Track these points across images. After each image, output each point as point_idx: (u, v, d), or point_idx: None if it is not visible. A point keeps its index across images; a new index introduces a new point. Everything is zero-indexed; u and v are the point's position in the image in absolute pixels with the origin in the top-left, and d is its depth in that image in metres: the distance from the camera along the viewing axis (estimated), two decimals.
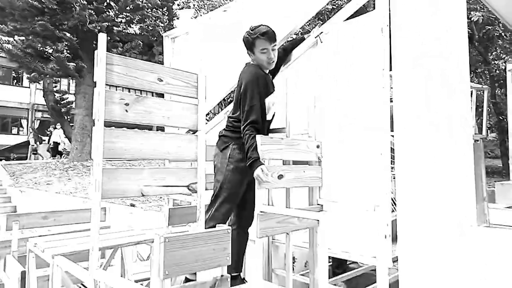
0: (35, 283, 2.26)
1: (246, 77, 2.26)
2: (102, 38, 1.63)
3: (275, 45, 2.32)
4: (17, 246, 2.81)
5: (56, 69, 12.07)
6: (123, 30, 15.36)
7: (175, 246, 1.24)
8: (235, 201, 2.29)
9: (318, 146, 2.53)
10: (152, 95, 1.88)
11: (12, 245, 2.75)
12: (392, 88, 2.39)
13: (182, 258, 1.25)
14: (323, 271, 1.91)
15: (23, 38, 12.82)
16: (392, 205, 2.45)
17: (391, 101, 2.39)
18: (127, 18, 14.20)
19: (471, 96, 5.11)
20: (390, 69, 2.37)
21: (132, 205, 5.87)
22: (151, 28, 18.97)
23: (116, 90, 1.74)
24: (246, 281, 2.38)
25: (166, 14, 20.26)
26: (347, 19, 2.50)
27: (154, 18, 13.80)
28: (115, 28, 14.32)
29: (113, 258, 2.82)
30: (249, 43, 2.30)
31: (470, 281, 1.95)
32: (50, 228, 3.63)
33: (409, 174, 2.22)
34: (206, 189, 2.07)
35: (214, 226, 1.84)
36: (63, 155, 16.71)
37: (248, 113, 2.18)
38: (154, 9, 14.17)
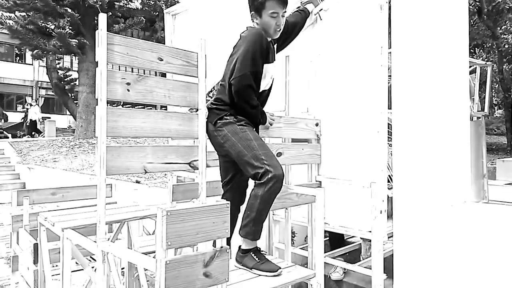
0: (47, 255, 2.38)
1: (249, 39, 2.01)
2: (103, 18, 1.66)
3: (285, 11, 2.10)
4: (28, 220, 2.93)
5: (58, 45, 12.03)
6: (125, 6, 15.18)
7: (177, 219, 1.31)
8: (265, 145, 2.01)
9: (317, 124, 2.58)
10: (156, 75, 1.91)
11: (24, 219, 2.87)
12: (390, 66, 2.41)
13: (183, 230, 1.33)
14: (319, 245, 2.00)
15: (24, 14, 12.71)
16: (389, 182, 2.51)
17: (390, 79, 2.41)
18: None
19: (475, 73, 5.08)
20: (390, 47, 2.38)
21: (138, 182, 6.00)
22: (152, 3, 18.72)
23: (119, 69, 1.77)
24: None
25: None
26: None
27: None
28: (116, 3, 14.15)
29: (120, 232, 2.94)
30: (258, 4, 2.04)
31: (461, 255, 2.03)
32: (58, 204, 3.77)
33: (406, 151, 2.27)
34: (207, 166, 2.13)
35: (280, 178, 1.86)
36: (41, 133, 16.25)
37: (245, 76, 1.96)
38: None
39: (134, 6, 16.66)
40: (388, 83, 2.38)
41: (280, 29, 2.12)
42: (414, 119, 2.25)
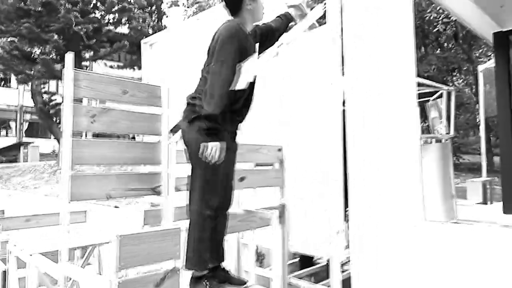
0: (15, 282, 2.43)
1: (224, 31, 1.87)
2: (69, 58, 1.81)
3: None
4: (13, 245, 2.96)
5: (42, 71, 12.13)
6: (112, 31, 15.45)
7: (130, 243, 1.42)
8: (218, 181, 1.90)
9: (279, 150, 2.73)
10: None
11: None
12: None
13: (136, 252, 1.43)
14: (277, 265, 2.11)
15: (9, 40, 12.84)
16: None
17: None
18: (114, 20, 14.27)
19: (442, 97, 5.36)
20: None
21: (116, 207, 6.03)
22: (139, 28, 19.04)
23: (82, 102, 1.91)
24: (229, 272, 2.18)
25: (155, 12, 20.32)
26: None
27: (140, 19, 13.86)
28: (104, 28, 14.41)
29: (93, 257, 3.00)
30: None
31: (423, 275, 2.14)
32: (32, 230, 3.79)
33: (360, 176, 2.42)
34: (178, 190, 2.23)
35: (215, 217, 1.85)
36: None
37: (219, 68, 1.80)
38: (141, 11, 14.24)
39: (121, 31, 16.97)
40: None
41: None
42: (368, 143, 2.41)
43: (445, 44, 14.68)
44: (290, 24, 2.68)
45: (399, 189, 2.37)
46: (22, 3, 11.91)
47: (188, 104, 1.92)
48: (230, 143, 1.92)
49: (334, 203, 2.43)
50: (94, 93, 1.90)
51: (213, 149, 1.76)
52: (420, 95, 5.80)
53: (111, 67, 18.32)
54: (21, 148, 18.94)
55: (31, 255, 2.05)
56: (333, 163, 2.48)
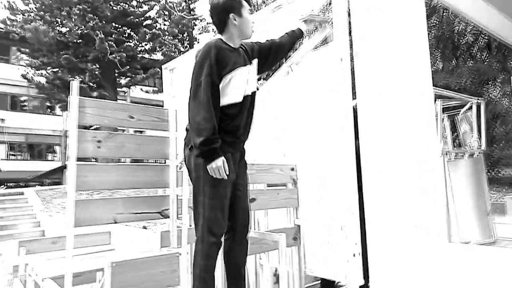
0: None
1: (199, 54, 1.87)
2: (75, 85, 1.87)
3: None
4: (24, 270, 3.06)
5: None
6: (145, 58, 16.14)
7: (124, 270, 1.40)
8: (225, 206, 1.86)
9: (292, 169, 2.67)
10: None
11: (19, 269, 3.00)
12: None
13: (130, 279, 1.41)
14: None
15: (50, 71, 13.71)
16: None
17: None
18: (146, 47, 14.91)
19: (471, 109, 5.09)
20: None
21: (144, 227, 6.13)
22: (172, 54, 19.77)
23: (89, 129, 1.96)
24: None
25: (187, 39, 21.07)
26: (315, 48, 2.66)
27: (172, 45, 14.40)
28: (140, 55, 15.09)
29: None
30: (237, 5, 1.94)
31: None
32: (57, 253, 3.91)
33: (375, 196, 2.31)
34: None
35: (219, 244, 1.80)
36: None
37: (195, 91, 1.78)
38: (172, 37, 14.81)
39: (156, 57, 17.69)
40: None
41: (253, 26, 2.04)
42: (384, 158, 2.30)
43: (478, 55, 14.08)
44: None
45: (420, 208, 2.23)
46: (61, 37, 12.75)
47: (187, 130, 1.92)
48: (231, 165, 1.84)
49: (347, 224, 2.32)
50: (100, 120, 1.95)
51: (214, 171, 1.74)
52: (450, 108, 5.55)
53: (146, 92, 19.08)
54: (64, 171, 19.87)
55: (42, 280, 2.09)
56: (347, 181, 2.39)
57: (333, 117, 2.45)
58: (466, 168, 4.60)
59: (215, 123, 1.75)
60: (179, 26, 17.61)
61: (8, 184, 17.47)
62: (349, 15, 2.50)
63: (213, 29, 20.81)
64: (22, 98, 21.83)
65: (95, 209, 1.89)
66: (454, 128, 5.87)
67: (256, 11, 2.79)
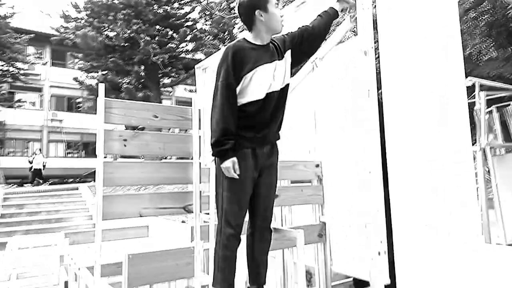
0: None
1: (220, 56, 1.94)
2: (101, 88, 1.99)
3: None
4: (71, 259, 3.32)
5: (126, 98, 13.46)
6: (188, 58, 16.59)
7: (139, 262, 1.49)
8: (243, 200, 1.90)
9: (317, 166, 2.65)
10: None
11: (64, 259, 3.25)
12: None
13: (146, 271, 1.50)
14: (301, 285, 2.02)
15: (99, 73, 14.53)
16: None
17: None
18: (188, 48, 15.32)
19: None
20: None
21: (183, 222, 6.34)
22: (213, 53, 20.11)
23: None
24: None
25: (228, 38, 21.39)
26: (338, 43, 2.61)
27: (211, 46, 14.70)
28: (182, 55, 15.57)
29: None
30: (262, 1, 1.95)
31: None
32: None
33: (402, 194, 2.24)
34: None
35: (236, 236, 1.86)
36: (46, 181, 16.15)
37: (213, 95, 1.86)
38: (211, 37, 15.11)
39: (198, 57, 18.15)
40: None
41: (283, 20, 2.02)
42: (411, 154, 2.22)
43: None
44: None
45: (451, 205, 2.13)
46: (109, 40, 13.46)
47: None
48: (250, 161, 1.88)
49: (372, 222, 2.27)
50: (126, 119, 2.06)
51: (225, 170, 1.80)
52: (496, 100, 5.18)
53: (190, 91, 19.64)
54: None
55: (79, 269, 2.26)
56: (373, 176, 2.33)
57: (357, 113, 2.40)
58: None
59: (228, 126, 1.80)
60: (220, 26, 17.92)
61: (66, 180, 18.80)
62: (374, 7, 2.43)
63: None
64: (78, 100, 23.30)
65: (121, 204, 2.00)
66: (504, 122, 5.49)
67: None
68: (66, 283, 2.72)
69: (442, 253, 2.06)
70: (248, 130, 1.90)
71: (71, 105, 22.70)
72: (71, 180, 19.07)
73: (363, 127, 2.39)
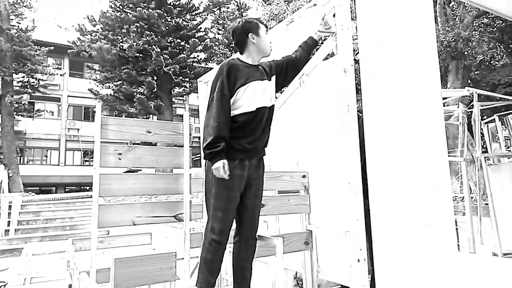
0: None
1: (215, 72, 2.12)
2: (98, 106, 2.19)
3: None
4: (74, 264, 3.51)
5: (139, 108, 13.82)
6: (201, 67, 16.92)
7: (125, 265, 1.66)
8: (229, 208, 2.02)
9: (304, 176, 2.79)
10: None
11: (70, 264, 3.45)
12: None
13: (131, 274, 1.67)
14: None
15: (113, 84, 14.97)
16: None
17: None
18: (200, 57, 15.64)
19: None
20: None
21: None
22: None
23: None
24: None
25: None
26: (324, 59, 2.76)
27: (221, 55, 14.99)
28: (193, 65, 15.91)
29: None
30: (254, 25, 2.20)
31: None
32: (104, 251, 4.37)
33: (381, 201, 2.35)
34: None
35: (218, 241, 1.99)
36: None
37: (209, 105, 2.03)
38: (222, 46, 15.39)
39: (211, 66, 18.49)
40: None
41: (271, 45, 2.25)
42: (390, 164, 2.33)
43: None
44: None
45: (425, 213, 2.23)
46: (123, 51, 13.89)
47: None
48: (238, 171, 2.03)
49: (351, 230, 2.39)
50: (121, 135, 2.26)
51: (215, 171, 1.93)
52: (496, 110, 5.22)
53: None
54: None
55: (80, 273, 2.44)
56: (352, 187, 2.46)
57: (340, 124, 2.53)
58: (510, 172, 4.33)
59: (221, 132, 1.95)
60: None
61: (82, 187, 19.29)
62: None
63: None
64: (94, 109, 23.94)
65: (115, 213, 2.18)
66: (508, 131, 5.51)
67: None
68: (70, 286, 2.91)
69: (419, 263, 2.16)
70: (240, 141, 2.06)
71: (88, 114, 23.34)
72: (88, 187, 19.58)
73: (343, 140, 2.53)
